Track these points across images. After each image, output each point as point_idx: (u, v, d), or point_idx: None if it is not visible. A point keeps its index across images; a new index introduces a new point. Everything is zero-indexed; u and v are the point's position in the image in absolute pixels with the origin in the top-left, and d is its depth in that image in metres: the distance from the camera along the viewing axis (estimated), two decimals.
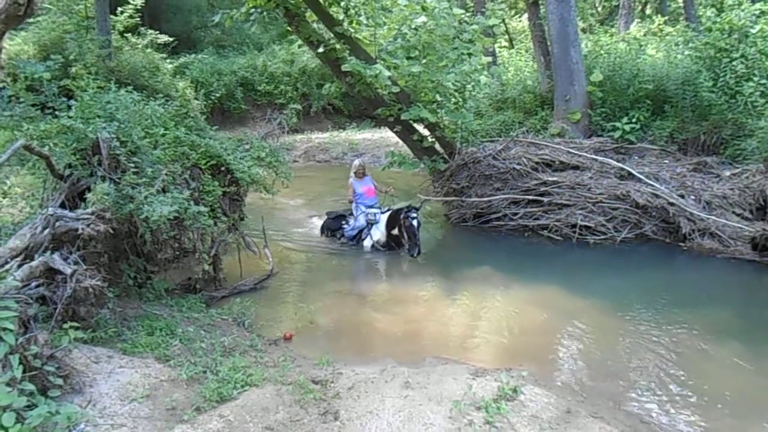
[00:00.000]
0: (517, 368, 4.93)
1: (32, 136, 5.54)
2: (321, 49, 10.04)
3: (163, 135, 6.51)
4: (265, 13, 10.71)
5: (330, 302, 7.20)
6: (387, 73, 9.38)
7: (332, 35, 10.26)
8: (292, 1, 10.13)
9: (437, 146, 11.04)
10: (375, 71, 9.32)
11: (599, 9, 28.09)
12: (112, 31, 18.37)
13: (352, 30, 10.45)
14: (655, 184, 9.28)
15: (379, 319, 6.82)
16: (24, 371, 3.47)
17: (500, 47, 18.09)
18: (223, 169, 6.91)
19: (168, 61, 20.21)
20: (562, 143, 10.35)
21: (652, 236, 9.15)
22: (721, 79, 9.94)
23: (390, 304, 7.23)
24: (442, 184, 10.80)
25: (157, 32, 20.26)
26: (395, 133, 11.42)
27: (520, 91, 12.35)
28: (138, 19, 19.69)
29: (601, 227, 9.28)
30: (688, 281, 7.99)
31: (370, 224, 9.28)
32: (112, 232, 5.26)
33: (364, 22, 10.72)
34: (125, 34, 19.07)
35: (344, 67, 9.59)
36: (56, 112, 5.96)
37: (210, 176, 6.69)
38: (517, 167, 9.99)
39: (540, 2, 12.27)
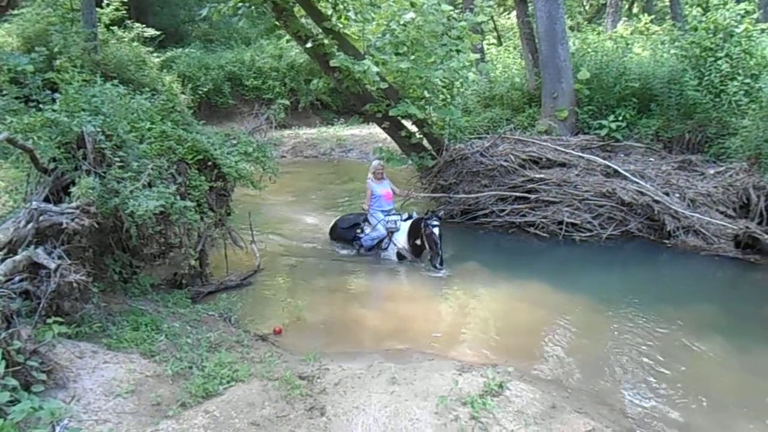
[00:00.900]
0: (503, 364, 4.95)
1: (16, 129, 5.45)
2: (309, 45, 10.02)
3: (149, 129, 6.45)
4: (253, 7, 10.65)
5: (317, 298, 7.19)
6: (375, 69, 9.37)
7: (320, 30, 10.23)
8: None
9: (425, 142, 11.06)
10: (363, 67, 9.31)
11: (587, 7, 28.25)
12: (98, 24, 18.17)
13: (341, 25, 10.43)
14: (640, 181, 9.36)
15: (366, 315, 6.83)
16: (7, 366, 3.44)
17: (488, 44, 18.10)
18: (210, 163, 6.86)
19: (155, 54, 20.02)
20: (549, 140, 10.41)
21: (637, 233, 9.23)
22: (706, 78, 10.04)
23: (377, 300, 7.25)
24: (430, 181, 10.82)
25: (144, 26, 20.06)
26: (383, 129, 11.42)
27: (508, 88, 12.40)
28: (124, 12, 19.49)
29: (587, 224, 9.35)
30: (673, 278, 8.08)
31: (391, 232, 8.59)
32: (97, 226, 5.22)
33: (353, 17, 10.69)
34: (111, 27, 18.85)
35: (332, 63, 9.56)
36: (40, 105, 5.88)
37: (197, 171, 6.63)
38: (505, 164, 10.03)
39: (528, 0, 12.30)
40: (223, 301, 6.58)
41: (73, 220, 4.90)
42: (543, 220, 9.56)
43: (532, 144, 10.29)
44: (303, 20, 10.65)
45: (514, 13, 14.48)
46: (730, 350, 5.81)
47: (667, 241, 8.87)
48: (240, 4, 10.49)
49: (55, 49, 15.30)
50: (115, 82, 6.80)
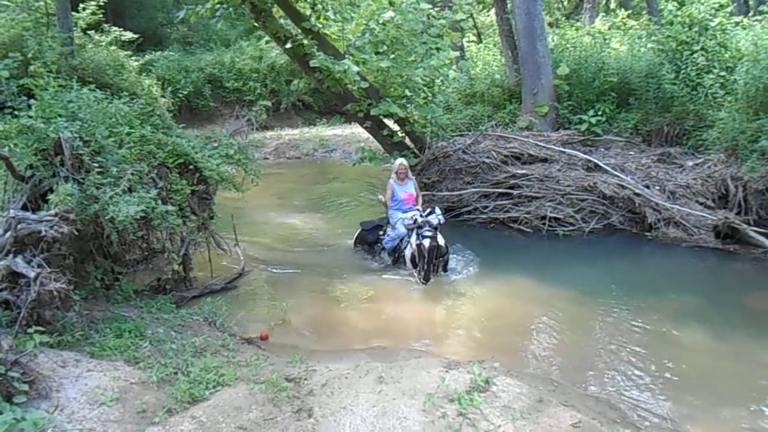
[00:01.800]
0: (489, 360, 4.97)
1: None
2: (289, 45, 9.98)
3: (129, 134, 6.38)
4: (231, 9, 10.59)
5: (302, 300, 7.17)
6: (355, 69, 9.37)
7: (300, 31, 10.20)
8: None
9: (407, 141, 11.07)
10: (343, 67, 9.30)
11: (565, 3, 28.45)
12: (75, 29, 17.89)
13: (320, 25, 10.40)
14: (621, 175, 9.46)
15: (351, 315, 6.83)
16: None
17: (468, 42, 18.16)
18: (191, 167, 6.81)
19: (133, 58, 19.77)
20: (531, 136, 10.48)
21: (619, 226, 9.33)
22: (682, 72, 10.16)
23: (362, 300, 7.23)
24: None
25: (122, 29, 19.78)
26: (365, 128, 11.42)
27: (489, 85, 12.44)
28: (101, 15, 19.20)
29: (570, 219, 9.44)
30: (655, 269, 8.17)
31: (410, 231, 7.91)
32: (76, 233, 5.15)
33: (332, 17, 10.69)
34: (88, 32, 18.59)
35: (312, 63, 9.54)
36: (15, 112, 5.79)
37: (178, 175, 6.58)
38: (487, 161, 10.08)
39: None
40: (207, 305, 6.53)
41: (52, 227, 4.84)
42: (526, 215, 9.64)
43: (513, 140, 10.36)
44: (282, 21, 10.61)
45: (493, 10, 14.52)
46: (712, 339, 5.91)
47: (648, 234, 8.98)
48: (218, 5, 10.44)
49: (30, 55, 15.03)
50: (92, 86, 6.71)
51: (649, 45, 11.41)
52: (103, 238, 5.62)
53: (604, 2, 26.03)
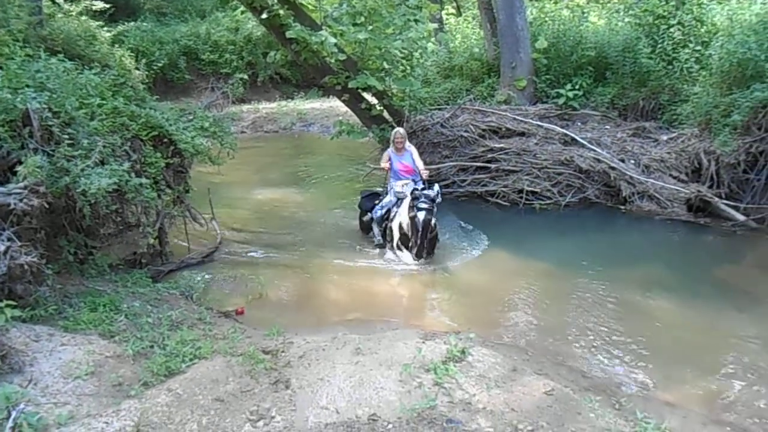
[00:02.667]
0: (465, 331, 5.04)
1: None
2: (264, 16, 9.77)
3: (100, 105, 6.23)
4: None
5: (280, 273, 7.16)
6: (333, 40, 9.24)
7: (276, 1, 9.98)
8: None
9: (386, 114, 11.00)
10: (320, 38, 9.17)
11: None
12: None
13: None
14: (597, 149, 9.55)
15: (329, 289, 6.83)
16: None
17: (447, 14, 17.95)
18: (165, 140, 6.69)
19: (105, 29, 19.24)
20: (509, 110, 10.50)
21: (594, 200, 9.44)
22: (659, 46, 10.23)
23: (341, 273, 7.23)
24: None
25: None
26: (343, 101, 11.32)
27: (467, 59, 12.36)
28: None
29: (547, 192, 9.52)
30: (629, 242, 8.33)
31: (400, 201, 7.52)
32: (47, 206, 5.06)
33: None
34: (57, 1, 18.03)
35: (289, 34, 9.38)
36: None
37: (152, 147, 6.47)
38: (465, 134, 10.10)
39: None
40: (184, 279, 6.51)
41: (21, 200, 4.73)
42: (504, 189, 9.70)
43: (491, 114, 10.37)
44: None
45: None
46: (682, 310, 6.05)
47: (623, 207, 9.11)
48: None
49: None
50: (61, 56, 6.52)
51: (627, 19, 11.44)
52: (76, 212, 5.52)
53: None
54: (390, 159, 7.95)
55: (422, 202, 6.98)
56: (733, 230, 8.08)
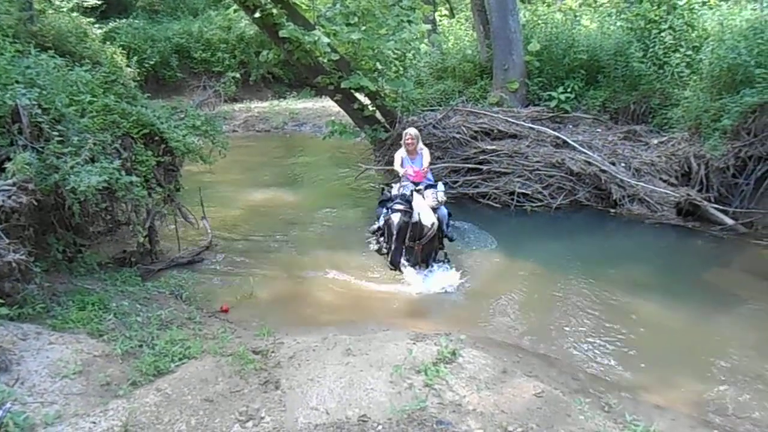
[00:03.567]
0: (456, 332, 5.04)
1: None
2: (257, 14, 9.73)
3: (91, 102, 6.19)
4: None
5: (271, 273, 7.13)
6: (326, 40, 9.21)
7: (269, 0, 9.95)
8: None
9: (378, 115, 10.99)
10: (313, 38, 9.14)
11: None
12: None
13: None
14: (588, 152, 9.58)
15: (321, 289, 6.81)
16: None
17: (441, 16, 17.99)
18: (156, 138, 6.66)
19: (96, 26, 19.14)
20: (501, 112, 10.52)
21: (585, 203, 9.48)
22: (650, 50, 10.29)
23: (331, 275, 7.19)
24: (383, 153, 10.80)
25: None
26: (336, 102, 11.30)
27: (460, 60, 12.39)
28: None
29: (538, 194, 9.55)
30: (618, 245, 8.36)
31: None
32: (36, 204, 5.01)
33: None
34: None
35: (282, 33, 9.34)
36: None
37: (143, 145, 6.43)
38: (457, 136, 10.11)
39: None
40: (174, 278, 6.46)
41: (9, 197, 4.69)
42: (495, 190, 9.72)
43: (483, 116, 10.38)
44: None
45: None
46: (670, 312, 6.09)
47: (613, 210, 9.15)
48: None
49: None
50: (51, 53, 6.47)
51: (619, 23, 11.50)
52: (65, 210, 5.47)
53: None
54: (402, 162, 7.29)
55: (397, 203, 6.34)
56: (722, 234, 8.13)
